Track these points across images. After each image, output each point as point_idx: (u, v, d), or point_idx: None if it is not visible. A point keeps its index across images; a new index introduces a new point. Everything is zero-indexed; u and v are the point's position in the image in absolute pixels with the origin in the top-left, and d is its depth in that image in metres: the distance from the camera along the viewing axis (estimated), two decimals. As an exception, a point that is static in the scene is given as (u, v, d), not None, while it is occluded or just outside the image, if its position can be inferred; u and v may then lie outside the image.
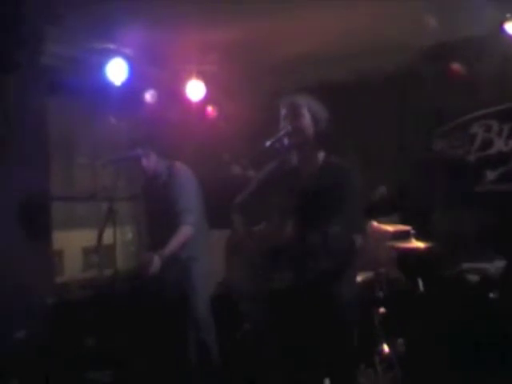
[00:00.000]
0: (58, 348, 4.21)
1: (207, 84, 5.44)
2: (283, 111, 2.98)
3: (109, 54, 4.80)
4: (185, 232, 3.97)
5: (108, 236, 3.80)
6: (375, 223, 3.99)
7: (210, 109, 5.86)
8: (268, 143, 2.89)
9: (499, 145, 4.97)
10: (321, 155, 3.01)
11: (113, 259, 3.96)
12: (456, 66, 5.00)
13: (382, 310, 3.88)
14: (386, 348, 3.81)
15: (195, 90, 5.45)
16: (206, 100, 5.63)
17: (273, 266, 2.90)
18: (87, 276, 5.19)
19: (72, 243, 5.36)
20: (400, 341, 3.95)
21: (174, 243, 3.93)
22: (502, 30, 4.46)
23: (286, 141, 2.93)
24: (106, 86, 4.84)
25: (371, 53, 4.85)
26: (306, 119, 2.94)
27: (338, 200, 2.77)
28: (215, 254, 4.44)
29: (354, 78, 5.43)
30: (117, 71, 4.82)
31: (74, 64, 4.71)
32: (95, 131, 5.27)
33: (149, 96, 5.28)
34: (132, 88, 5.05)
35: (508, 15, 4.42)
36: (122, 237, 5.26)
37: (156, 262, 3.84)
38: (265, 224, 3.04)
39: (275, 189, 3.02)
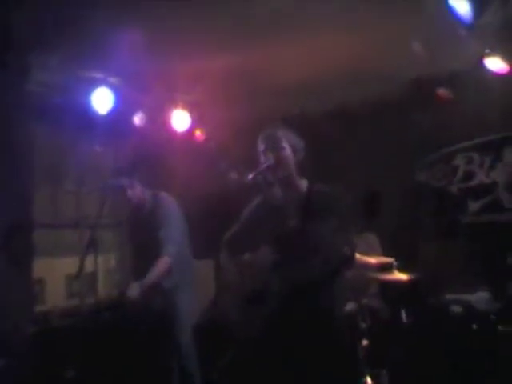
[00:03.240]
0: (37, 379, 4.14)
1: (192, 114, 5.47)
2: (262, 145, 3.00)
3: (95, 83, 4.81)
4: (165, 262, 3.96)
5: (90, 264, 3.79)
6: (358, 255, 4.00)
7: (198, 136, 5.87)
8: (250, 177, 2.91)
9: (481, 176, 5.04)
10: (304, 184, 3.04)
11: (95, 287, 3.93)
12: (440, 98, 5.07)
13: (365, 341, 3.86)
14: (369, 380, 3.80)
15: (180, 119, 5.47)
16: (191, 130, 5.66)
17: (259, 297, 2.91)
18: (70, 304, 5.14)
19: (55, 271, 5.31)
20: (383, 372, 3.95)
21: (154, 273, 3.92)
22: (482, 64, 4.55)
23: (268, 174, 2.95)
24: (92, 113, 4.84)
25: (356, 82, 4.91)
26: (287, 151, 2.98)
27: (324, 222, 2.78)
28: (199, 284, 4.48)
29: (338, 108, 5.50)
30: (102, 100, 4.82)
31: (60, 91, 4.72)
32: (80, 159, 5.26)
33: (134, 125, 5.28)
34: (117, 117, 5.06)
35: (487, 51, 4.50)
36: (104, 265, 5.23)
37: (134, 288, 3.83)
38: (250, 255, 3.05)
39: (262, 223, 3.02)
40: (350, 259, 2.84)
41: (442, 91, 5.06)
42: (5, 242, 4.30)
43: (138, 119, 5.31)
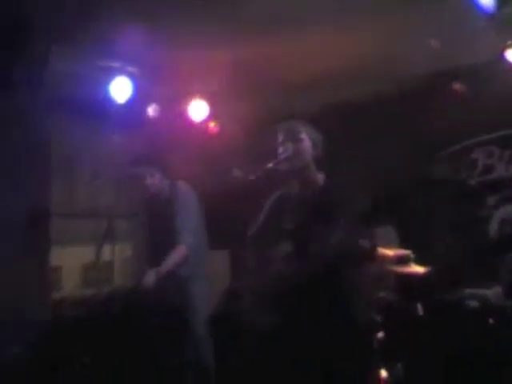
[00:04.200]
0: (54, 365, 4.17)
1: (210, 104, 5.48)
2: (281, 136, 3.01)
3: (113, 72, 4.83)
4: (181, 251, 3.98)
5: (107, 253, 3.81)
6: (374, 247, 3.99)
7: (212, 128, 5.87)
8: (269, 166, 2.91)
9: (500, 170, 4.99)
10: (320, 177, 3.04)
11: (111, 276, 3.96)
12: (458, 91, 5.02)
13: (380, 334, 3.84)
14: (383, 373, 3.78)
15: (198, 109, 5.48)
16: (209, 119, 5.66)
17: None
18: (85, 293, 5.17)
19: (71, 260, 5.35)
20: (398, 365, 3.92)
21: (170, 262, 3.94)
22: (503, 57, 4.48)
23: (285, 165, 2.95)
24: (110, 103, 4.86)
25: (373, 77, 4.89)
26: (306, 143, 2.99)
27: (341, 215, 2.77)
28: (214, 274, 4.49)
29: (355, 102, 5.46)
30: (120, 89, 4.85)
31: (78, 81, 4.74)
32: (98, 148, 5.29)
33: (152, 114, 5.30)
34: (135, 106, 5.08)
35: (509, 42, 4.44)
36: (120, 254, 5.26)
37: (150, 276, 3.84)
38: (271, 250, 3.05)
39: (281, 217, 3.02)
40: (371, 252, 2.83)
41: (458, 85, 5.00)
42: (23, 231, 4.34)
43: (155, 108, 5.31)
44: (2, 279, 4.02)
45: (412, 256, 4.05)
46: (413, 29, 4.12)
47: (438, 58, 4.62)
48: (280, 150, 2.99)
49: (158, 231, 4.19)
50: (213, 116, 5.62)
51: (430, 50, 4.36)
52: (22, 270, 4.16)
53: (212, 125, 5.84)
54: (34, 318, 4.25)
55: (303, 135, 2.99)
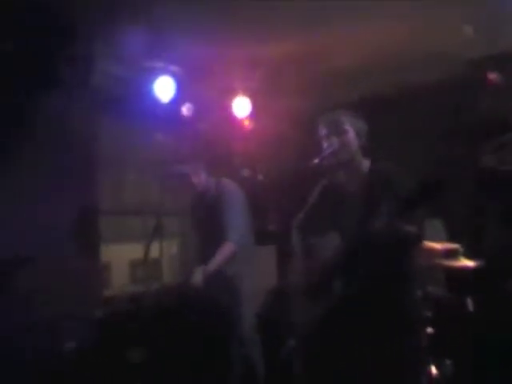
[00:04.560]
0: (105, 361, 4.26)
1: (253, 100, 5.48)
2: (324, 130, 2.97)
3: (156, 72, 4.88)
4: (229, 249, 3.99)
5: (155, 250, 3.86)
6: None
7: (254, 125, 5.88)
8: (316, 161, 2.88)
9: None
10: (366, 164, 3.00)
11: (159, 273, 4.01)
12: (494, 77, 4.90)
13: (429, 330, 3.80)
14: (433, 369, 3.73)
15: (241, 106, 5.49)
16: (252, 116, 5.67)
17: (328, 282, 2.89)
18: (134, 290, 5.26)
19: (119, 257, 5.44)
20: (448, 362, 3.87)
21: (218, 259, 3.96)
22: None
23: (332, 159, 2.92)
24: (154, 103, 4.92)
25: (412, 65, 4.81)
26: (351, 135, 2.94)
27: (387, 202, 2.67)
28: (261, 271, 4.49)
29: (397, 91, 5.39)
30: (164, 89, 4.90)
31: (123, 81, 4.81)
32: (143, 147, 5.36)
33: (195, 113, 5.33)
34: (179, 105, 5.13)
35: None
36: (168, 251, 5.32)
37: (198, 274, 3.88)
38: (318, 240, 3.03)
39: (329, 208, 3.01)
40: (418, 239, 2.77)
41: (492, 75, 4.87)
42: (73, 231, 4.45)
43: (199, 107, 5.35)
44: (55, 278, 4.11)
45: (461, 250, 3.99)
46: (448, 17, 4.04)
47: (474, 46, 4.52)
48: (325, 144, 2.94)
49: (205, 229, 4.22)
50: (255, 112, 5.62)
51: (465, 38, 4.26)
52: (73, 269, 4.25)
53: (247, 122, 5.84)
54: (86, 314, 4.36)
55: (347, 126, 2.93)
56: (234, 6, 3.95)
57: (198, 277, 3.87)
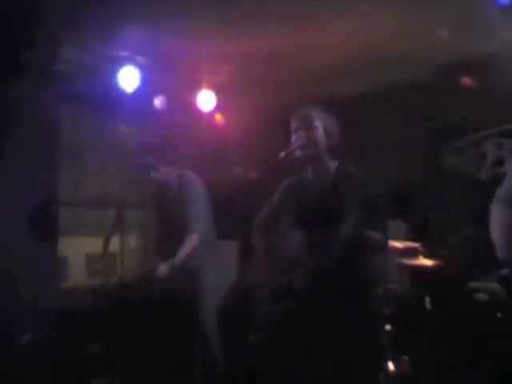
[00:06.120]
0: (62, 354, 4.18)
1: (218, 94, 5.45)
2: (295, 124, 2.97)
3: (121, 62, 4.81)
4: (192, 241, 3.97)
5: (113, 243, 3.80)
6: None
7: (219, 119, 5.85)
8: (282, 155, 2.87)
9: (510, 163, 4.94)
10: (333, 165, 3.00)
11: (117, 267, 3.95)
12: (468, 82, 4.98)
13: (388, 326, 3.83)
14: (390, 365, 3.77)
15: (206, 99, 5.46)
16: (216, 110, 5.63)
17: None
18: (92, 283, 5.18)
19: (77, 249, 5.35)
20: (405, 358, 3.91)
21: (184, 252, 3.94)
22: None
23: (298, 153, 2.92)
24: (118, 93, 4.85)
25: (383, 66, 4.85)
26: (319, 131, 2.94)
27: (353, 205, 2.73)
28: (222, 265, 4.47)
29: (366, 91, 5.43)
30: (129, 78, 4.83)
31: (87, 70, 4.73)
32: (106, 138, 5.28)
33: (160, 104, 5.28)
34: (143, 96, 5.06)
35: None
36: (127, 245, 5.25)
37: (164, 268, 3.84)
38: (280, 238, 3.03)
39: (292, 205, 3.00)
40: (383, 245, 2.81)
41: (465, 79, 4.96)
42: (31, 220, 4.35)
43: (163, 98, 5.30)
44: (13, 266, 4.02)
45: (420, 249, 4.04)
46: (427, 19, 4.07)
47: (449, 50, 4.58)
48: (293, 137, 2.94)
49: (167, 222, 4.19)
50: (220, 107, 5.59)
51: (440, 41, 4.31)
52: (31, 259, 4.16)
53: (218, 116, 5.82)
54: (44, 306, 4.26)
55: (317, 123, 2.94)
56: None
57: (164, 271, 3.83)
